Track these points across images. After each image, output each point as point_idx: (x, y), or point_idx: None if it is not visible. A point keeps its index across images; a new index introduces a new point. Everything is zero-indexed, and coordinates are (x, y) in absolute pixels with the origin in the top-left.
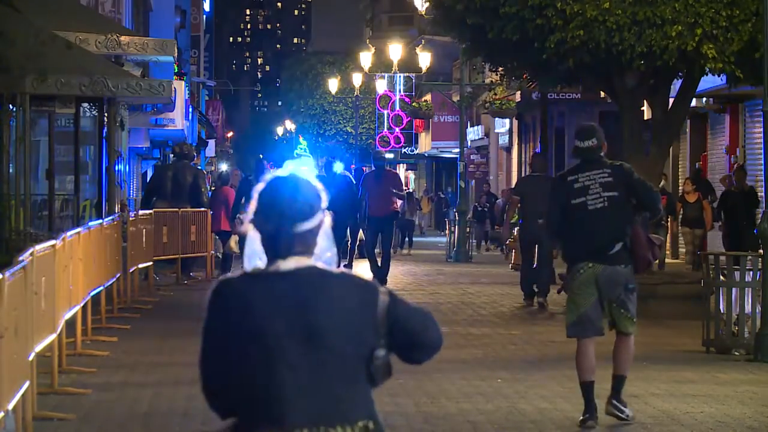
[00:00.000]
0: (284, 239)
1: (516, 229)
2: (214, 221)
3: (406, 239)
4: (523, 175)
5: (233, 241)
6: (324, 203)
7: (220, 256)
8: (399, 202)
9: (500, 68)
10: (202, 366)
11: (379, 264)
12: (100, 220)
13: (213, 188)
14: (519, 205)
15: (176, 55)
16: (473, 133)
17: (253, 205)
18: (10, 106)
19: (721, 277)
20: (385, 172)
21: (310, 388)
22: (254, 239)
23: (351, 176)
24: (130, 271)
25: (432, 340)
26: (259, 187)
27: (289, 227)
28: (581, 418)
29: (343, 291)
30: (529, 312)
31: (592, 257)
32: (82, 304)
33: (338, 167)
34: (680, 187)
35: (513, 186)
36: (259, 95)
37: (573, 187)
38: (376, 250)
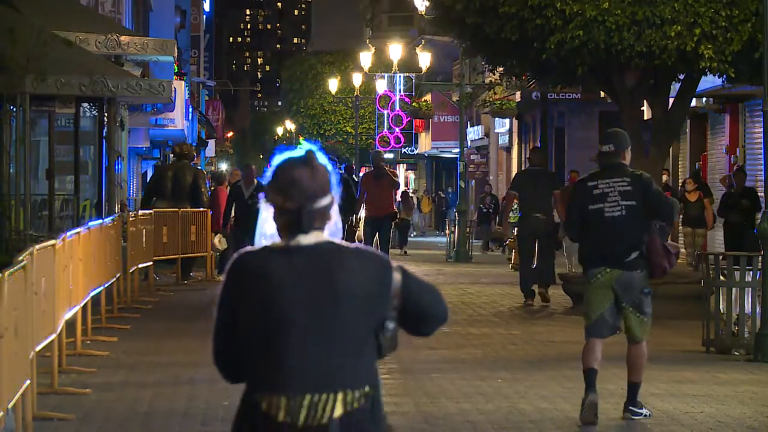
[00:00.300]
0: (306, 215)
1: (516, 227)
2: (214, 221)
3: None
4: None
5: (217, 239)
6: (335, 179)
7: (219, 255)
8: (398, 197)
9: (500, 68)
10: (215, 331)
11: None
12: (100, 220)
13: (212, 188)
14: (517, 200)
15: (176, 55)
16: (473, 133)
17: (271, 184)
18: (10, 106)
19: (721, 277)
20: (384, 173)
21: (316, 356)
22: (266, 218)
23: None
24: (130, 271)
25: (440, 314)
26: (275, 166)
27: (311, 204)
28: (583, 397)
29: (359, 266)
30: (529, 312)
31: (608, 263)
32: (82, 304)
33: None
34: (679, 187)
35: (511, 181)
36: (259, 95)
37: (592, 192)
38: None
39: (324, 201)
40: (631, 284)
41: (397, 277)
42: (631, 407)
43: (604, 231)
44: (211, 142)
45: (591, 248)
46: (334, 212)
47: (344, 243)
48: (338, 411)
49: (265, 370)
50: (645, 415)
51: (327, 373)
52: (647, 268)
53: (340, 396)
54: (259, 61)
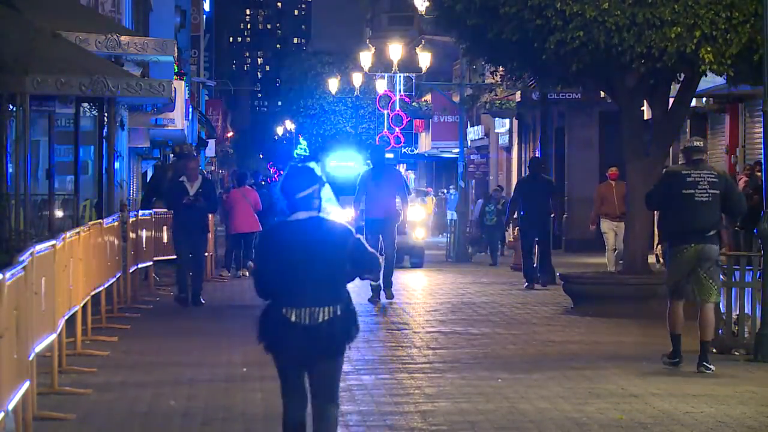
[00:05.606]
0: (308, 201)
1: (516, 228)
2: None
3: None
4: (522, 176)
5: None
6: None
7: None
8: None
9: (500, 69)
10: (255, 272)
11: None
12: (100, 220)
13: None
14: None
15: (176, 55)
16: (473, 133)
17: (294, 186)
18: (10, 106)
19: (722, 277)
20: (389, 171)
21: (312, 284)
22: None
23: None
24: (130, 271)
25: (372, 271)
26: (294, 173)
27: (296, 194)
28: (672, 361)
29: (331, 230)
30: (529, 312)
31: (693, 239)
32: (82, 304)
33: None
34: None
35: (515, 188)
36: (259, 95)
37: (686, 179)
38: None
39: (320, 195)
40: (709, 255)
41: (351, 241)
42: (704, 363)
43: (692, 212)
44: (211, 142)
45: (680, 226)
46: (323, 198)
47: (325, 218)
48: (327, 317)
49: (283, 292)
50: (712, 369)
51: (318, 294)
52: (720, 243)
53: (327, 309)
54: (259, 61)
